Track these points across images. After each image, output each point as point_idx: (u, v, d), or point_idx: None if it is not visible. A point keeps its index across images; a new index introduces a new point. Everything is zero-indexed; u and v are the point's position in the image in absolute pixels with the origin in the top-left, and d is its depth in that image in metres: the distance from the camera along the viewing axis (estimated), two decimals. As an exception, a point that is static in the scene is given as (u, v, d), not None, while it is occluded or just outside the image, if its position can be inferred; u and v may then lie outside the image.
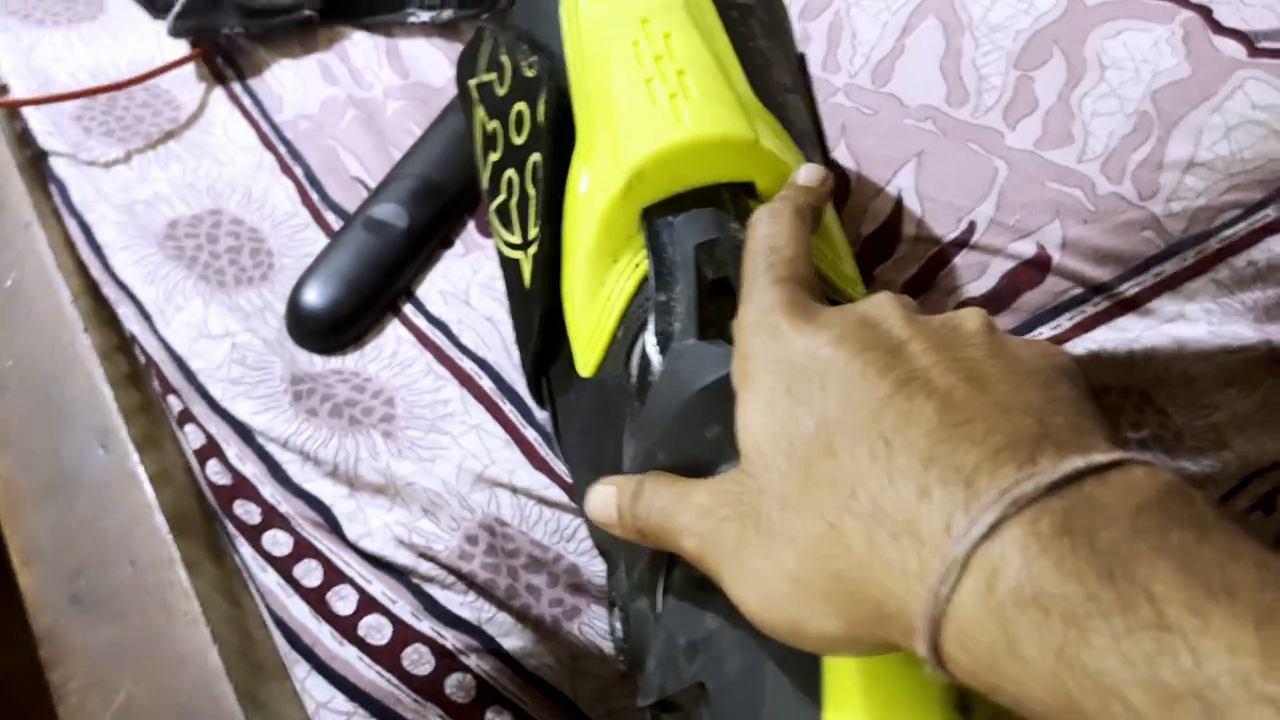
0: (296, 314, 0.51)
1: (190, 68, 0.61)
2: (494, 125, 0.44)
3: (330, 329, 0.51)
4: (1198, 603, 0.19)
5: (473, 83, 0.46)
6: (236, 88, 0.61)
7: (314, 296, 0.51)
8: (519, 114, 0.42)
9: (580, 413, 0.39)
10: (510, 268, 0.43)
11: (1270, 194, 0.50)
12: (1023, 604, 0.21)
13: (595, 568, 0.44)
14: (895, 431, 0.25)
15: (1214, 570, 0.20)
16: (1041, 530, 0.22)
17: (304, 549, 0.44)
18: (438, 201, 0.54)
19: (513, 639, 0.42)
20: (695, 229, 0.36)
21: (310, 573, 0.43)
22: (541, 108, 0.40)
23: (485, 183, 0.45)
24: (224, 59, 0.62)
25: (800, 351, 0.28)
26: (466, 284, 0.52)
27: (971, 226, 0.50)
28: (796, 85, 0.44)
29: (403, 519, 0.44)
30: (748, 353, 0.29)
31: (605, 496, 0.33)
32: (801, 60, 0.46)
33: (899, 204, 0.51)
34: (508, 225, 0.43)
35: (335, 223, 0.55)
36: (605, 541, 0.38)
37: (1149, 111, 0.51)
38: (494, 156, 0.44)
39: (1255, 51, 0.52)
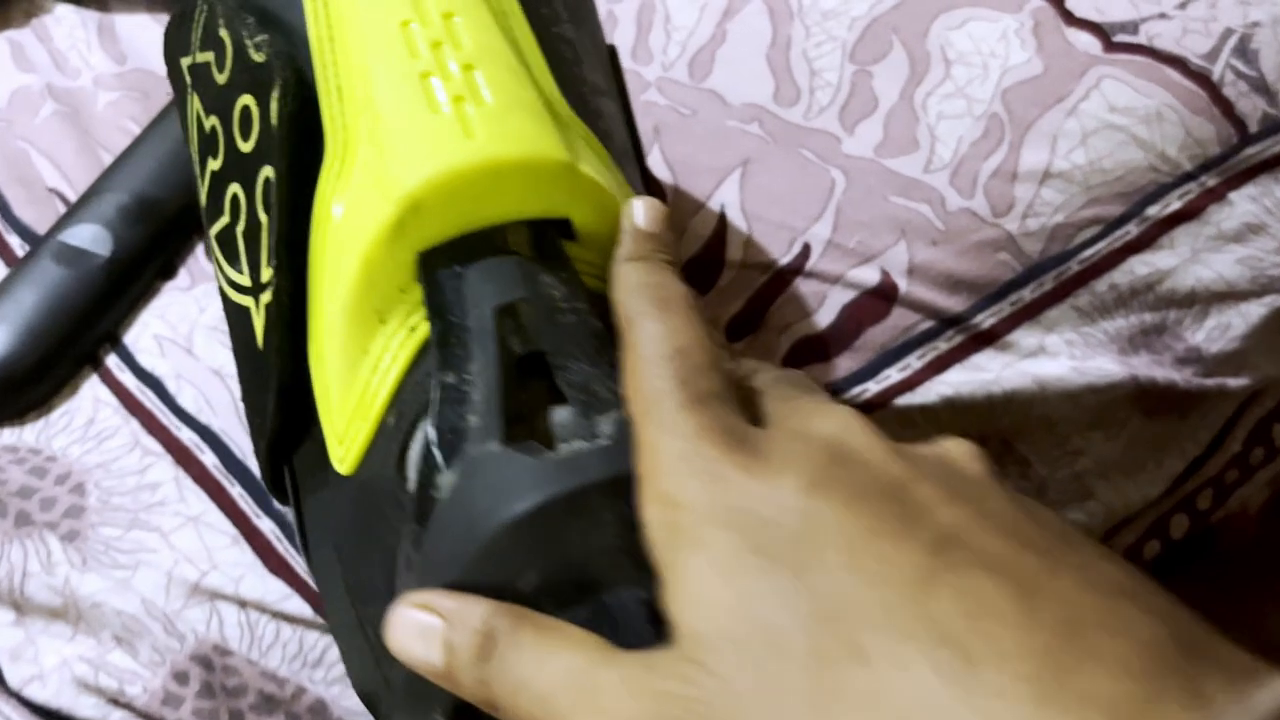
0: (-41, 371, 0.39)
1: None
2: (212, 122, 0.33)
3: (6, 389, 0.39)
4: None
5: (185, 62, 0.35)
6: (-107, 71, 0.48)
7: (-15, 346, 0.39)
8: (244, 111, 0.31)
9: (336, 519, 0.29)
10: (238, 316, 0.32)
11: (1131, 208, 0.45)
12: None
13: (348, 702, 0.34)
14: (966, 631, 0.17)
15: None
16: None
17: (-57, 703, 0.33)
18: (154, 222, 0.43)
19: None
20: (495, 284, 0.26)
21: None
22: (274, 105, 0.30)
23: (204, 197, 0.34)
24: (-121, 35, 0.49)
25: (761, 500, 0.21)
26: (190, 326, 0.41)
27: (806, 250, 0.42)
28: (609, 86, 0.35)
29: (87, 653, 0.34)
30: (679, 499, 0.21)
31: (426, 628, 0.23)
32: (613, 53, 0.37)
33: (722, 222, 0.43)
34: (233, 259, 0.32)
35: (22, 249, 0.43)
36: (372, 685, 0.28)
37: (999, 114, 0.45)
38: (214, 165, 0.33)
39: (1111, 46, 0.47)
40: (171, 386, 0.39)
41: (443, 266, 0.27)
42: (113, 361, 0.40)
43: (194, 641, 0.34)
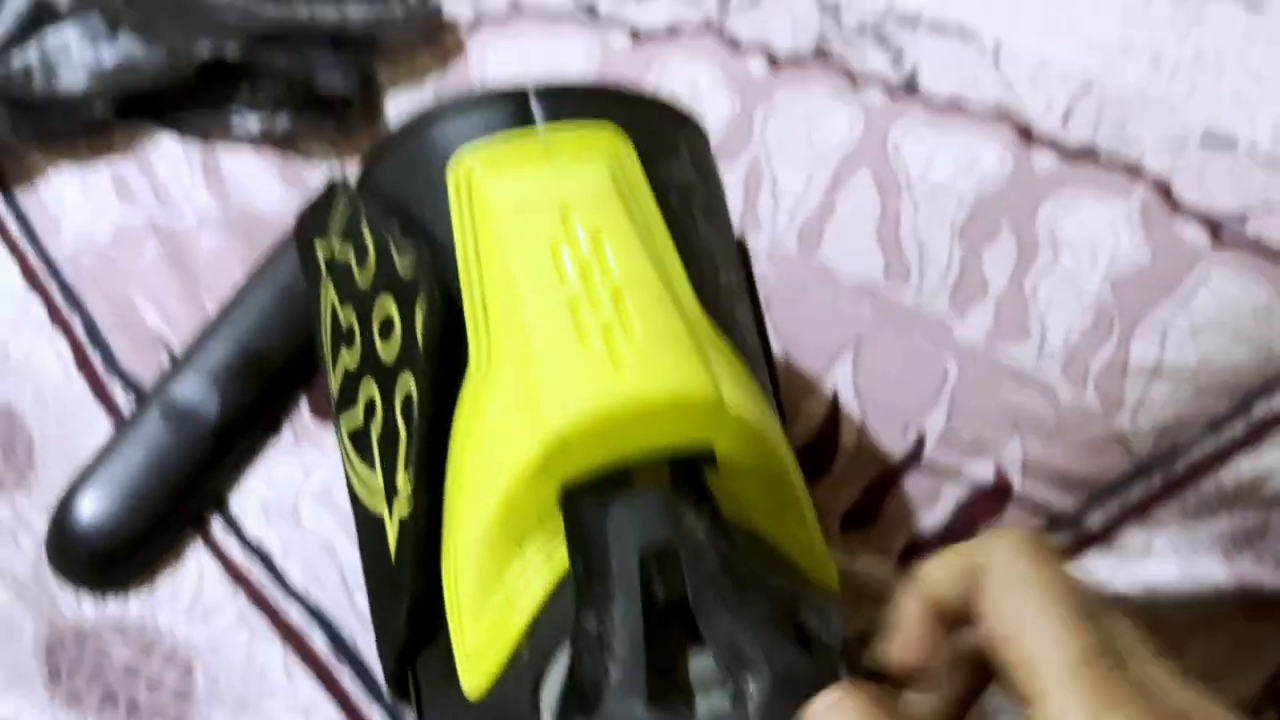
0: (64, 534, 0.39)
1: (-65, 173, 0.48)
2: (350, 317, 0.33)
3: (110, 557, 0.39)
4: None
5: (321, 247, 0.35)
6: (-2, 204, 0.47)
7: (90, 510, 0.39)
8: (386, 318, 0.31)
9: None
10: (367, 523, 0.31)
11: (1236, 406, 0.45)
12: None
13: None
14: None
15: None
16: None
17: None
18: (260, 379, 0.42)
19: None
20: (639, 525, 0.26)
21: None
22: (420, 320, 0.29)
23: (334, 385, 0.34)
24: (-16, 162, 0.49)
25: None
26: (295, 492, 0.40)
27: (920, 439, 0.42)
28: (740, 284, 0.35)
29: None
30: None
31: None
32: (742, 249, 0.37)
33: (835, 405, 0.43)
34: (366, 458, 0.32)
35: (124, 400, 0.43)
36: None
37: (1109, 303, 0.45)
38: (348, 360, 0.33)
39: (1219, 238, 0.47)
40: (279, 559, 0.39)
41: (585, 500, 0.27)
42: (218, 528, 0.40)
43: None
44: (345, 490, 0.40)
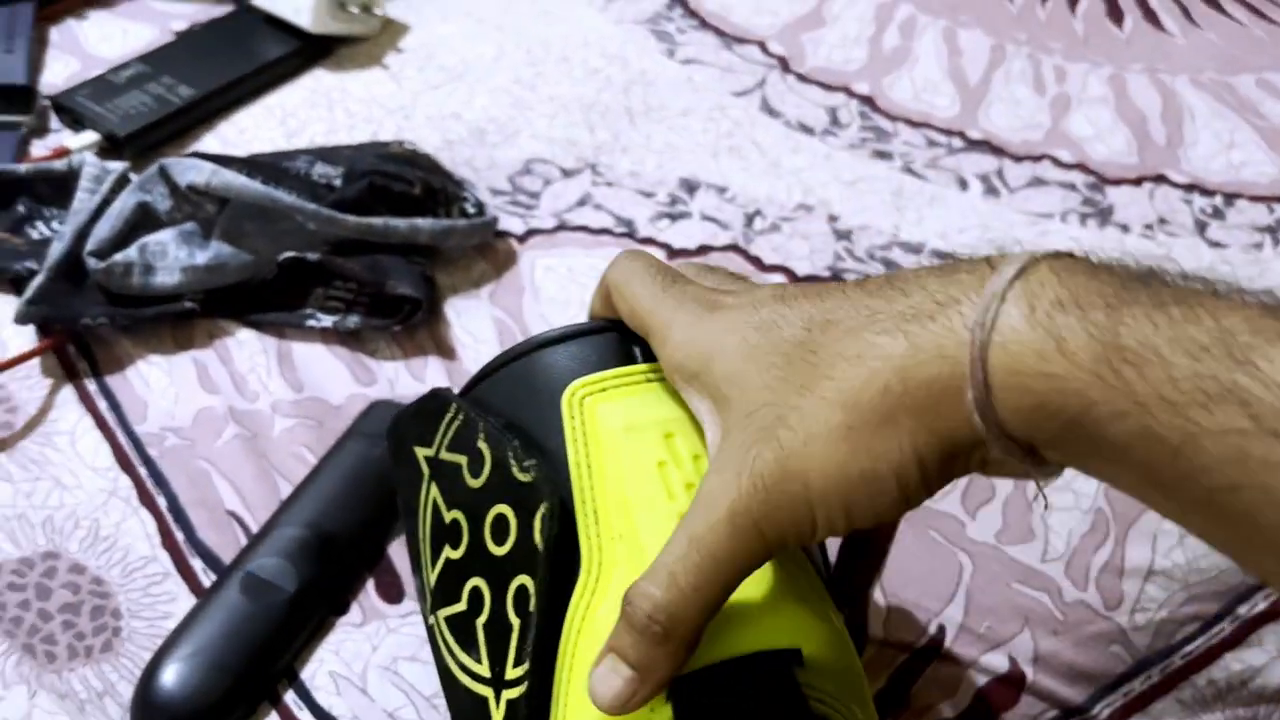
0: (148, 704, 0.41)
1: (35, 360, 0.52)
2: (455, 515, 0.36)
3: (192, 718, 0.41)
4: (1204, 298, 0.23)
5: (423, 453, 0.38)
6: (91, 387, 0.51)
7: (173, 679, 0.41)
8: (500, 519, 0.34)
9: None
10: (466, 699, 0.34)
11: (1225, 606, 0.49)
12: (1064, 307, 0.24)
13: None
14: (880, 283, 0.29)
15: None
16: (1063, 265, 0.25)
17: None
18: (332, 558, 0.46)
19: None
20: (744, 713, 0.29)
21: None
22: (539, 524, 0.33)
23: (431, 578, 0.37)
24: (78, 349, 0.53)
25: (739, 321, 0.31)
26: (364, 665, 0.43)
27: (941, 631, 0.46)
28: None
29: None
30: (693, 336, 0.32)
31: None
32: None
33: (865, 605, 0.46)
34: (468, 646, 0.35)
35: (202, 572, 0.46)
36: None
37: (1104, 509, 0.50)
38: (453, 553, 0.36)
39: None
40: (349, 730, 0.41)
41: (693, 695, 0.30)
42: (290, 699, 0.42)
43: None
44: (409, 664, 0.43)
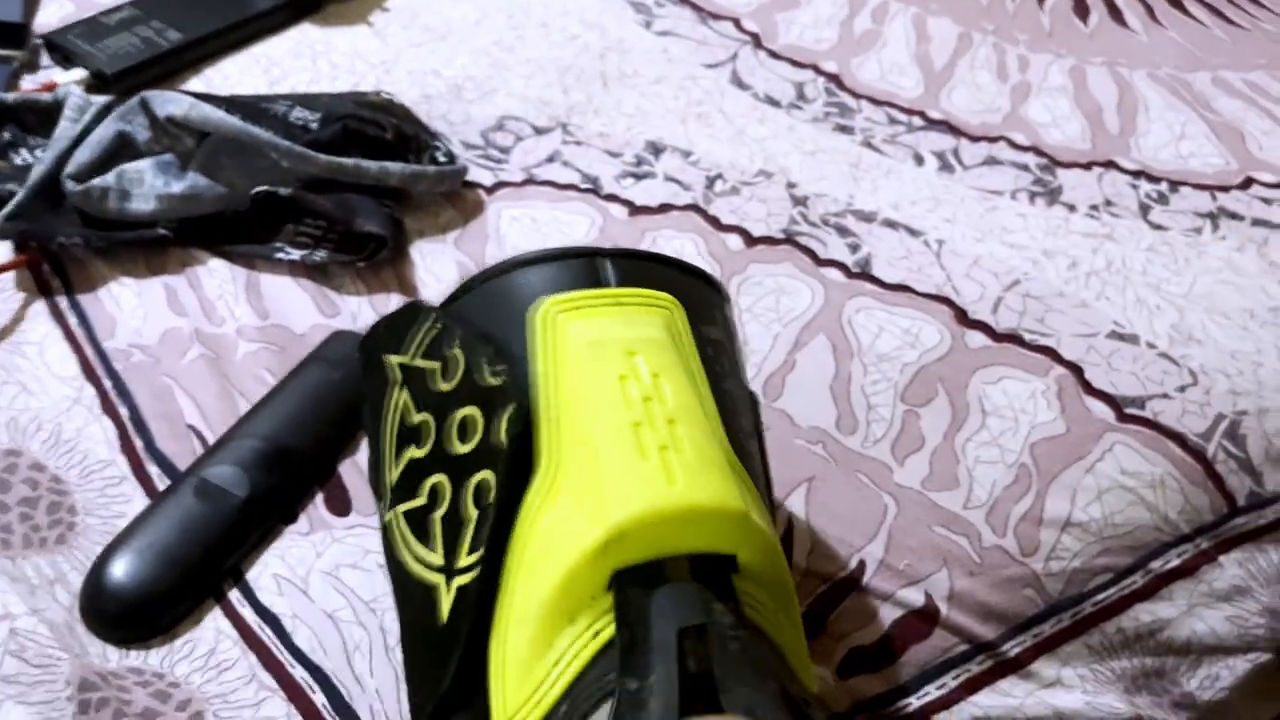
0: (97, 591, 0.43)
1: (9, 274, 0.54)
2: (423, 417, 0.38)
3: (137, 614, 0.43)
4: None
5: (396, 360, 0.40)
6: (63, 303, 0.53)
7: (123, 571, 0.43)
8: (467, 420, 0.37)
9: None
10: (417, 591, 0.36)
11: (1138, 560, 0.51)
12: None
13: None
14: None
15: None
16: None
17: None
18: (286, 469, 0.48)
19: None
20: (679, 608, 0.31)
21: None
22: (504, 425, 0.35)
23: (393, 474, 0.39)
24: (53, 268, 0.55)
25: None
26: (307, 570, 0.45)
27: (861, 566, 0.48)
28: (752, 428, 0.41)
29: None
30: None
31: None
32: (754, 400, 0.43)
33: (790, 529, 0.49)
34: (425, 539, 0.37)
35: (159, 479, 0.48)
36: None
37: (1028, 464, 0.52)
38: (415, 452, 0.38)
39: (1123, 417, 0.55)
40: (288, 625, 0.43)
41: (633, 585, 0.32)
42: (235, 596, 0.44)
43: None
44: (351, 571, 0.45)
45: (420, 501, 0.37)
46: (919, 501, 0.50)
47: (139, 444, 0.49)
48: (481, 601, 0.34)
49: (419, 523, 0.37)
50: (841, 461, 0.51)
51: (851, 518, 0.49)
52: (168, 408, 0.50)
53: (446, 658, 0.34)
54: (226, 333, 0.54)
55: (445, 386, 0.37)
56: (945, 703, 0.46)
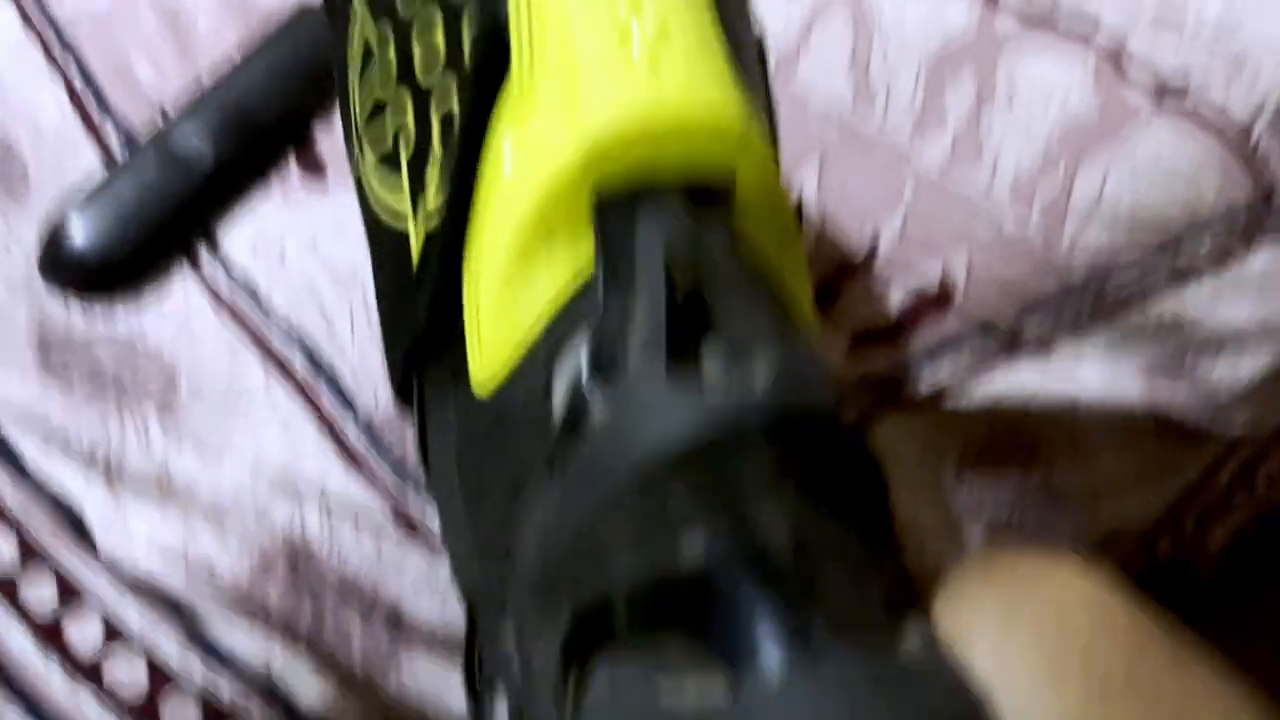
0: (57, 241, 0.40)
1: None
2: (385, 45, 0.34)
3: (101, 266, 0.40)
4: None
5: None
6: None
7: (83, 225, 0.40)
8: (428, 41, 0.32)
9: (463, 433, 0.31)
10: (387, 239, 0.33)
11: (1165, 249, 0.48)
12: None
13: (422, 610, 0.35)
14: None
15: None
16: None
17: (34, 561, 0.33)
18: (253, 134, 0.44)
19: (308, 689, 0.33)
20: (665, 227, 0.28)
21: (41, 594, 0.33)
22: (467, 41, 0.30)
23: (360, 118, 0.35)
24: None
25: None
26: (281, 236, 0.42)
27: (874, 248, 0.45)
28: (758, 78, 0.37)
29: (177, 529, 0.34)
30: None
31: None
32: (760, 46, 0.39)
33: (799, 206, 0.45)
34: (393, 187, 0.33)
35: (116, 139, 0.44)
36: (474, 591, 0.29)
37: (1057, 146, 0.48)
38: (378, 88, 0.34)
39: (1161, 100, 0.50)
40: (263, 289, 0.40)
41: (616, 205, 0.28)
42: (206, 259, 0.41)
43: (280, 535, 0.35)
44: (328, 238, 0.42)
45: (386, 148, 0.33)
46: (939, 182, 0.47)
47: (91, 103, 0.45)
48: (453, 243, 0.31)
49: (387, 169, 0.33)
50: (857, 141, 0.47)
51: (866, 199, 0.46)
52: (124, 72, 0.46)
53: (418, 303, 0.31)
54: (184, 4, 0.49)
55: (403, 3, 0.33)
56: (958, 382, 0.44)
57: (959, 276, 0.45)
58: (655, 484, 0.24)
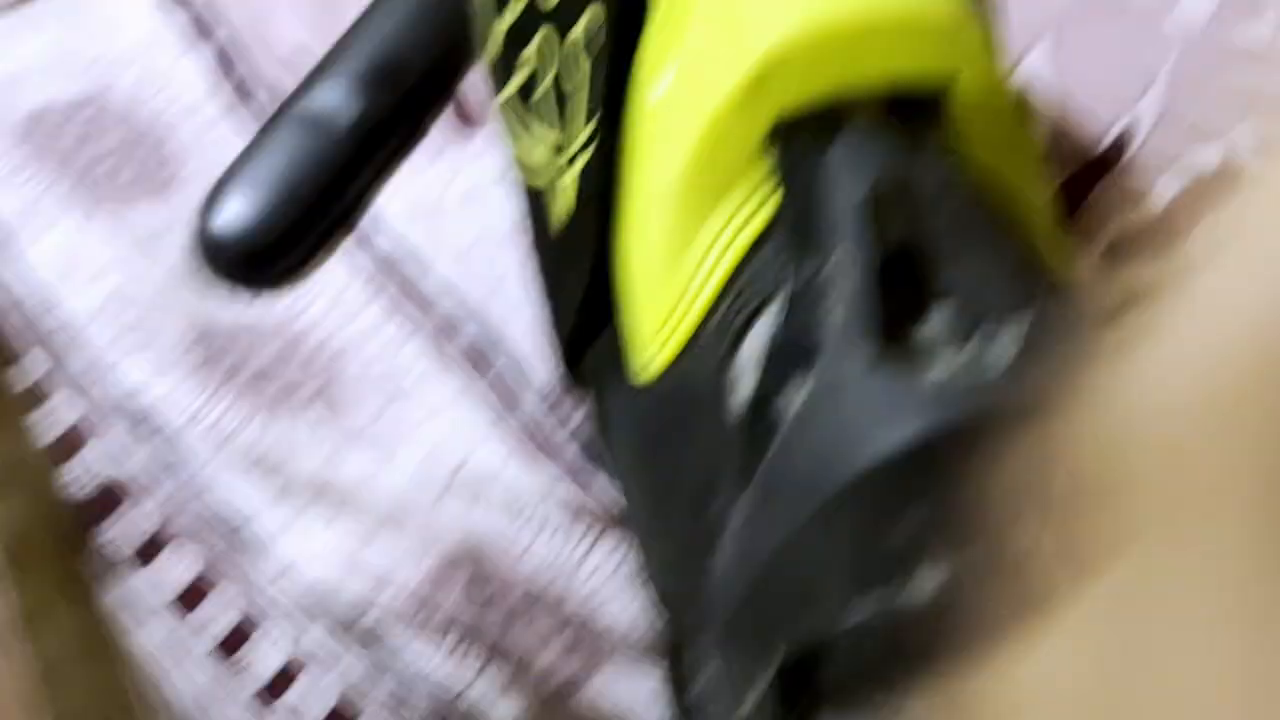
0: (211, 235, 0.37)
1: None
2: None
3: (259, 254, 0.37)
4: None
5: None
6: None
7: (235, 211, 0.37)
8: None
9: (637, 419, 0.26)
10: (531, 199, 0.29)
11: None
12: None
13: (613, 609, 0.32)
14: None
15: None
16: None
17: (210, 580, 0.32)
18: (400, 85, 0.40)
19: (501, 709, 0.30)
20: (865, 161, 0.22)
21: (218, 615, 0.31)
22: None
23: (494, 55, 0.31)
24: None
25: None
26: (441, 193, 0.39)
27: (1128, 132, 0.37)
28: None
29: (351, 536, 0.32)
30: None
31: None
32: None
33: (1027, 96, 0.38)
34: (530, 133, 0.29)
35: (268, 111, 0.41)
36: (671, 594, 0.25)
37: (1366, -26, 0.38)
38: (508, 16, 0.29)
39: None
40: (427, 257, 0.37)
41: (800, 138, 0.23)
42: (364, 229, 0.38)
43: (458, 534, 0.32)
44: (490, 191, 0.38)
45: (522, 78, 0.28)
46: (1208, 40, 0.38)
47: (240, 74, 0.42)
48: (601, 196, 0.26)
49: (525, 108, 0.28)
50: (1099, 3, 0.39)
51: (1115, 73, 0.38)
52: (264, 30, 0.43)
53: (571, 274, 0.27)
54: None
55: None
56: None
57: (1248, 153, 0.36)
58: (873, 497, 0.20)
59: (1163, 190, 0.36)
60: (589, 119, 0.26)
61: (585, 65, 0.26)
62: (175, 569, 0.32)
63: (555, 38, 0.27)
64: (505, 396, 0.34)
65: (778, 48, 0.22)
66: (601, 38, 0.25)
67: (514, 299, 0.36)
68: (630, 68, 0.25)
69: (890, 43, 0.23)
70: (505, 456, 0.33)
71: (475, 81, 0.41)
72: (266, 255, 0.38)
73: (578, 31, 0.26)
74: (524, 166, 0.29)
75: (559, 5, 0.27)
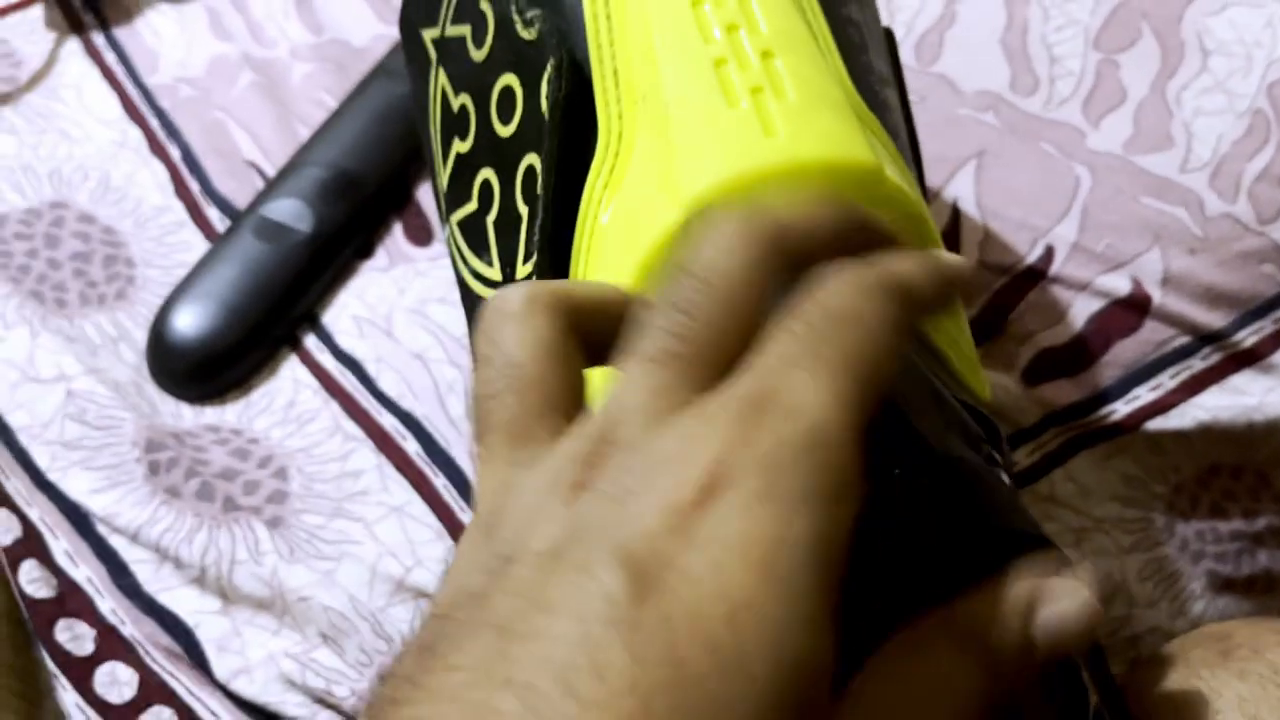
0: (163, 345, 0.38)
1: (37, 10, 0.48)
2: (463, 100, 0.31)
3: (207, 366, 0.38)
4: None
5: (430, 35, 0.33)
6: (97, 39, 0.47)
7: (187, 321, 0.39)
8: (506, 91, 0.29)
9: None
10: (478, 307, 0.30)
11: None
12: None
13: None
14: None
15: None
16: None
17: (153, 691, 0.32)
18: (354, 198, 0.41)
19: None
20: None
21: (159, 730, 0.31)
22: (545, 88, 0.27)
23: (444, 180, 0.32)
24: (83, 2, 0.48)
25: None
26: (389, 308, 0.40)
27: (1049, 252, 0.39)
28: (889, 73, 0.32)
29: (294, 649, 0.32)
30: None
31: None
32: (890, 38, 0.33)
33: (956, 218, 0.40)
34: (480, 250, 0.30)
35: (220, 222, 0.42)
36: None
37: (1265, 110, 0.41)
38: (461, 146, 0.31)
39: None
40: (371, 369, 0.38)
41: None
42: (311, 342, 0.39)
43: (400, 643, 0.32)
44: (439, 306, 0.39)
45: (472, 207, 0.30)
46: (1121, 169, 0.40)
47: (194, 186, 0.43)
48: None
49: (474, 231, 0.30)
50: (1019, 129, 0.41)
51: (1034, 196, 0.40)
52: (222, 143, 0.44)
53: None
54: (279, 55, 0.47)
55: (479, 55, 0.29)
56: (1160, 406, 0.37)
57: (1154, 281, 0.38)
58: None
59: (1079, 311, 0.38)
60: (527, 258, 0.27)
61: (525, 209, 0.27)
62: (117, 684, 0.32)
63: (498, 178, 0.29)
64: (445, 513, 0.35)
65: (704, 194, 0.24)
66: (539, 184, 0.27)
67: (456, 413, 0.37)
68: (574, 213, 0.27)
69: (809, 189, 0.24)
70: (448, 563, 0.33)
71: (425, 198, 0.42)
72: (216, 365, 0.39)
73: (519, 175, 0.28)
74: (471, 284, 0.30)
75: (504, 145, 0.28)
